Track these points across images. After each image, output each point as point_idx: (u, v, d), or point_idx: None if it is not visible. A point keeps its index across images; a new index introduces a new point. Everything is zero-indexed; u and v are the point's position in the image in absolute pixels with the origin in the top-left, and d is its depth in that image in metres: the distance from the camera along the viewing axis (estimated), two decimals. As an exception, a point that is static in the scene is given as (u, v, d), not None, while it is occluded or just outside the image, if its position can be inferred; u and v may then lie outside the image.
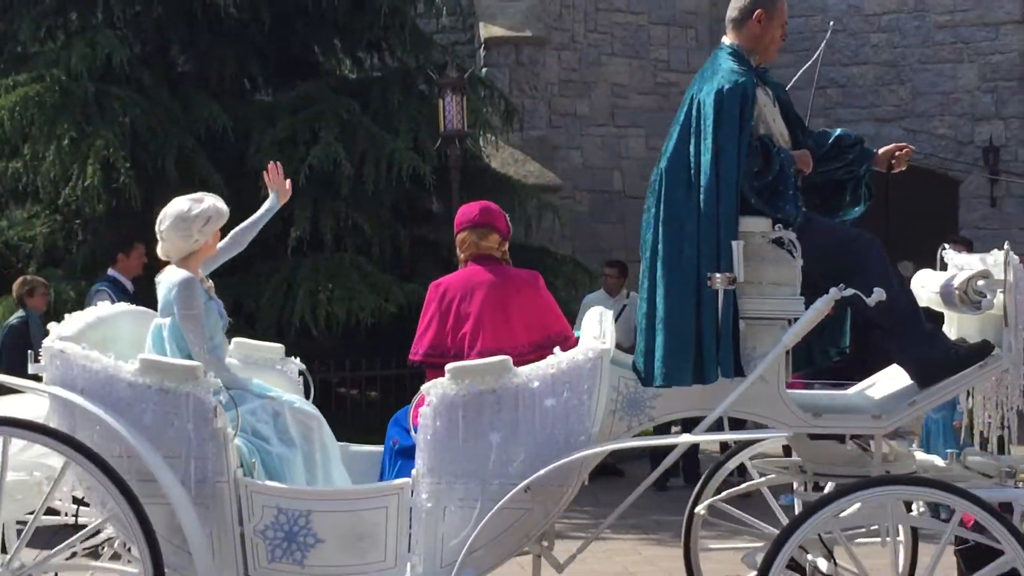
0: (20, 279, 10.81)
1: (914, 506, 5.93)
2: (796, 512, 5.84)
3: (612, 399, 5.42)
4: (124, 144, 12.97)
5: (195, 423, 5.39)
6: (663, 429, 7.43)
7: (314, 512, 5.44)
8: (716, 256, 5.28)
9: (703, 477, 6.59)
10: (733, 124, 5.35)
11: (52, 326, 5.73)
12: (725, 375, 5.30)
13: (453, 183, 14.72)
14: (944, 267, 5.91)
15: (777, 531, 6.23)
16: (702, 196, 5.31)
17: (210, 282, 6.07)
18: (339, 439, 6.09)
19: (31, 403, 5.88)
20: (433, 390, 5.41)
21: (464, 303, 5.83)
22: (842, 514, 5.42)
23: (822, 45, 6.51)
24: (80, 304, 10.23)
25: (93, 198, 12.78)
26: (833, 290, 5.17)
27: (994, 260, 5.47)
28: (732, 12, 5.71)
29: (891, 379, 5.80)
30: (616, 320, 6.83)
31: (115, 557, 6.11)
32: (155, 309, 6.00)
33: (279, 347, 6.56)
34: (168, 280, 5.84)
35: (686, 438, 5.56)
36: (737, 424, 6.91)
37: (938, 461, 5.86)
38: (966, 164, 19.75)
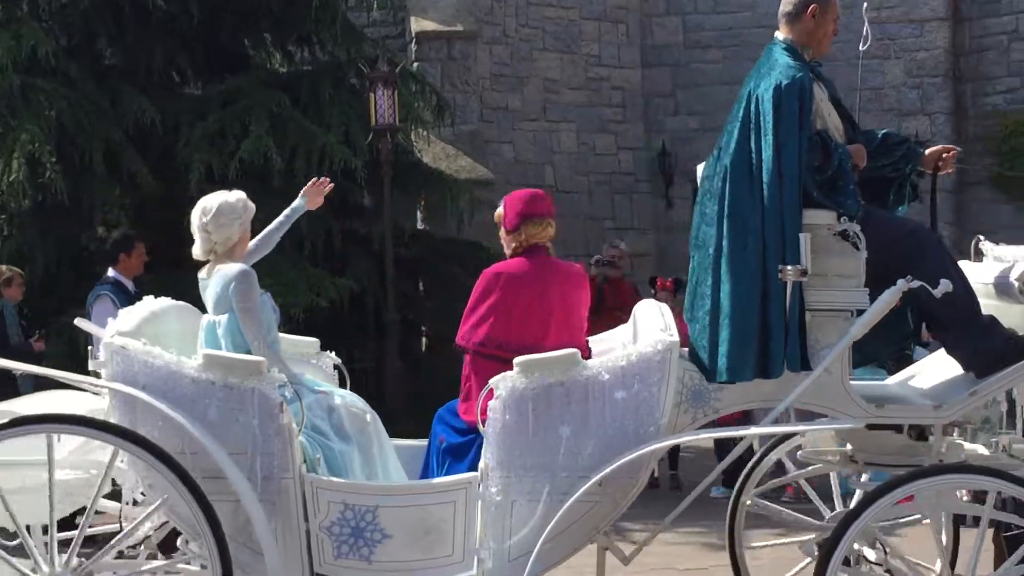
0: None
1: (957, 493, 6.03)
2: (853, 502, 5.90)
3: (678, 391, 5.42)
4: (50, 138, 12.76)
5: (260, 419, 5.32)
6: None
7: (381, 507, 5.39)
8: (781, 250, 5.29)
9: (743, 472, 6.64)
10: (793, 119, 5.38)
11: (110, 321, 5.60)
12: (791, 369, 5.32)
13: (385, 177, 14.75)
14: (980, 258, 6.01)
15: (815, 523, 6.37)
16: (765, 191, 5.33)
17: None
18: None
19: (74, 400, 5.76)
20: (502, 383, 5.37)
21: (538, 297, 5.77)
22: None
23: (862, 47, 6.57)
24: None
25: (18, 193, 12.60)
26: (901, 281, 5.22)
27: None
28: (786, 7, 5.76)
29: (936, 370, 5.88)
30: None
31: (151, 557, 6.00)
32: None
33: (315, 341, 6.50)
34: (224, 274, 5.74)
35: (753, 430, 5.59)
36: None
37: (982, 450, 5.96)
38: (892, 159, 20.08)
